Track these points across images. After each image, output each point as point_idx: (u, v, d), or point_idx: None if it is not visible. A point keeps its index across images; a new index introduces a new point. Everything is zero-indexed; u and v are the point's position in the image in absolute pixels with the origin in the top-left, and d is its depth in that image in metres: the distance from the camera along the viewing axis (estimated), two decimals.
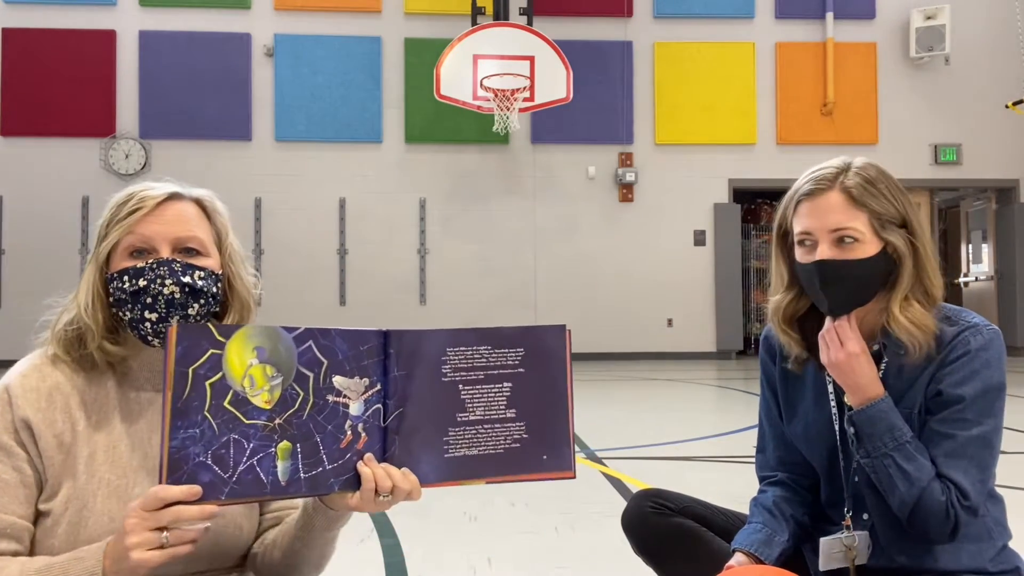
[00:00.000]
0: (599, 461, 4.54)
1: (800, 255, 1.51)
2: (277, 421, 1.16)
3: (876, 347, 1.52)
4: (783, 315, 1.57)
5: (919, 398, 1.48)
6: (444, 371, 1.24)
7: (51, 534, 1.27)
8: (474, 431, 1.24)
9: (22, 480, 1.26)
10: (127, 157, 10.86)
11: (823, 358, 1.49)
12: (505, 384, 1.26)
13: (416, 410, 1.22)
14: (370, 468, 1.19)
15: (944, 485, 1.41)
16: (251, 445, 1.14)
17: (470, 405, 1.24)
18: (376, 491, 1.19)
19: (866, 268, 1.46)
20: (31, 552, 1.27)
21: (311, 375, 1.19)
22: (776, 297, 1.59)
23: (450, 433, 1.23)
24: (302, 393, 1.18)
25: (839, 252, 1.46)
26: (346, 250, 11.17)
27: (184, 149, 10.88)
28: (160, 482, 1.11)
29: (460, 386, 1.24)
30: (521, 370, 1.26)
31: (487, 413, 1.25)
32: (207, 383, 1.13)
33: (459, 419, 1.24)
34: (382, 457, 1.22)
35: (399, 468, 1.21)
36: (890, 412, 1.45)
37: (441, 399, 1.23)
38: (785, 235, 1.57)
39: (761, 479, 1.73)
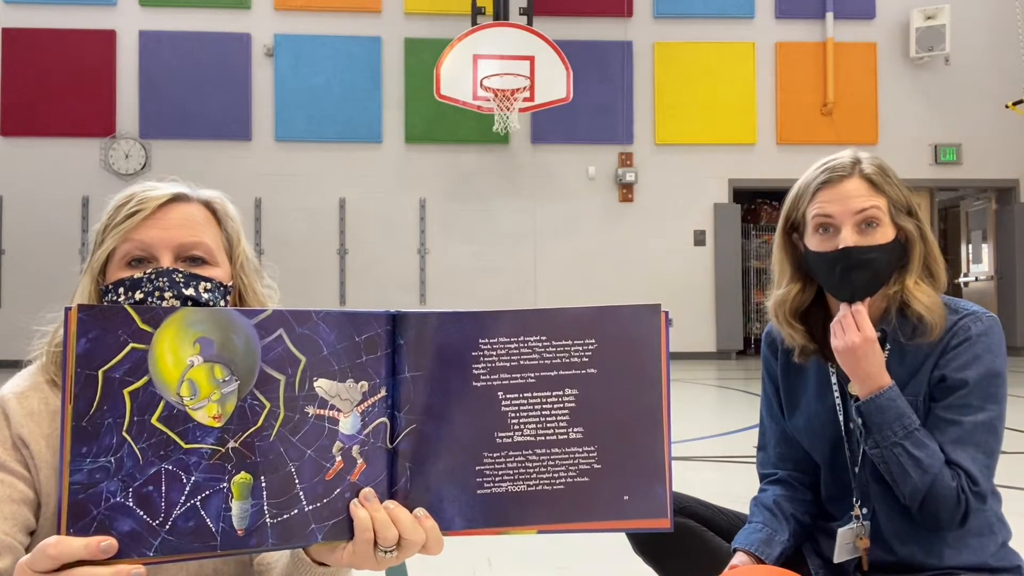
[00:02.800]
0: None
1: (817, 243, 1.51)
2: (231, 445, 0.85)
3: (878, 334, 1.54)
4: (789, 308, 1.58)
5: (923, 386, 1.49)
6: (477, 371, 0.91)
7: None
8: (521, 458, 0.91)
9: (11, 496, 1.08)
10: (127, 157, 10.86)
11: (836, 344, 1.48)
12: (568, 391, 0.92)
13: (437, 427, 0.90)
14: (367, 511, 0.88)
15: (953, 471, 1.42)
16: (192, 479, 0.84)
17: (516, 421, 0.91)
18: (376, 543, 0.89)
19: (887, 253, 1.48)
20: None
21: (282, 378, 0.87)
22: (779, 291, 1.60)
23: (486, 460, 0.91)
24: (268, 404, 0.87)
25: (862, 238, 1.48)
26: (346, 250, 11.16)
27: (184, 149, 10.87)
28: (58, 532, 0.81)
29: (501, 393, 0.91)
30: (593, 371, 0.92)
31: (541, 433, 0.91)
32: (126, 391, 0.83)
33: (500, 440, 0.91)
34: (388, 493, 0.90)
35: (411, 509, 0.90)
36: (898, 400, 1.45)
37: (474, 411, 0.91)
38: (792, 228, 1.58)
39: (762, 477, 1.73)
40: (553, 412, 0.92)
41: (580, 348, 0.92)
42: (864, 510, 1.55)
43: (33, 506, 1.10)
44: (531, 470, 0.91)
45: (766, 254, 12.43)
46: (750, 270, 12.34)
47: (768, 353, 1.71)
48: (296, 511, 0.87)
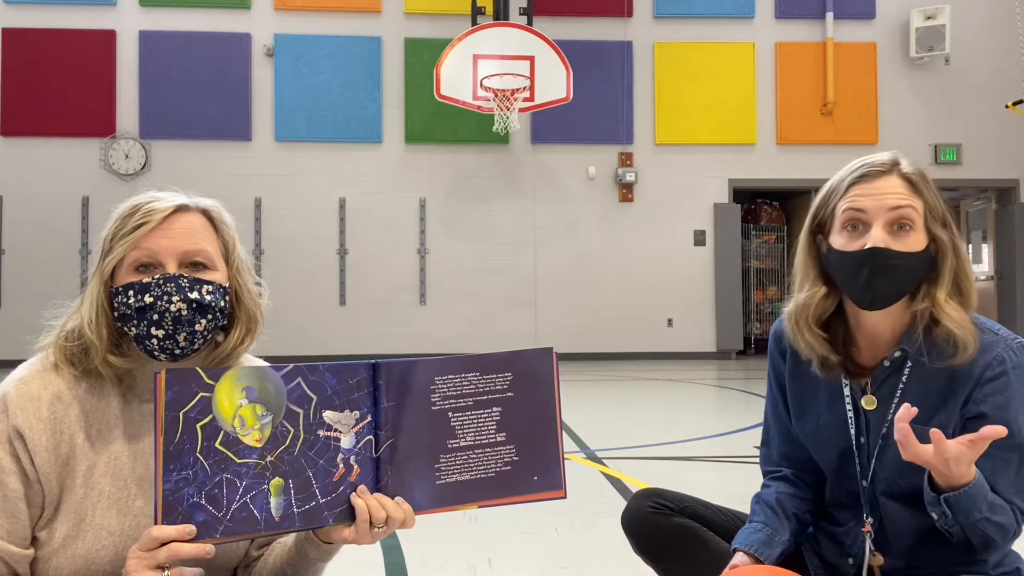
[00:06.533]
0: (599, 461, 4.54)
1: (844, 242, 1.43)
2: (269, 458, 1.17)
3: (898, 353, 1.46)
4: (812, 314, 1.49)
5: (954, 416, 1.42)
6: (434, 400, 1.24)
7: (46, 547, 1.25)
8: (465, 456, 1.25)
9: (4, 494, 1.23)
10: (127, 157, 10.85)
11: (908, 458, 1.33)
12: (494, 409, 1.27)
13: (407, 439, 1.23)
14: (363, 500, 1.20)
15: (1013, 509, 1.38)
16: (243, 483, 1.16)
17: (460, 431, 1.25)
18: (371, 522, 1.20)
19: (915, 261, 1.40)
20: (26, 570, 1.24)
21: (301, 412, 1.19)
22: (801, 295, 1.50)
23: (441, 460, 1.24)
24: (292, 430, 1.19)
25: (893, 240, 1.39)
26: (346, 250, 11.16)
27: (184, 149, 10.88)
28: (156, 523, 1.12)
29: (450, 413, 1.25)
30: (510, 394, 1.28)
31: (477, 438, 1.26)
32: (198, 426, 1.14)
33: (450, 446, 1.25)
34: (375, 487, 1.22)
35: (392, 497, 1.22)
36: (984, 483, 1.35)
37: (432, 427, 1.24)
38: (818, 228, 1.51)
39: (765, 473, 1.72)
40: (485, 424, 1.27)
41: (501, 379, 1.28)
42: (871, 519, 1.52)
43: (32, 499, 1.25)
44: (472, 464, 1.26)
45: (766, 254, 12.43)
46: (750, 270, 12.35)
47: (776, 353, 1.65)
48: (314, 503, 1.19)
